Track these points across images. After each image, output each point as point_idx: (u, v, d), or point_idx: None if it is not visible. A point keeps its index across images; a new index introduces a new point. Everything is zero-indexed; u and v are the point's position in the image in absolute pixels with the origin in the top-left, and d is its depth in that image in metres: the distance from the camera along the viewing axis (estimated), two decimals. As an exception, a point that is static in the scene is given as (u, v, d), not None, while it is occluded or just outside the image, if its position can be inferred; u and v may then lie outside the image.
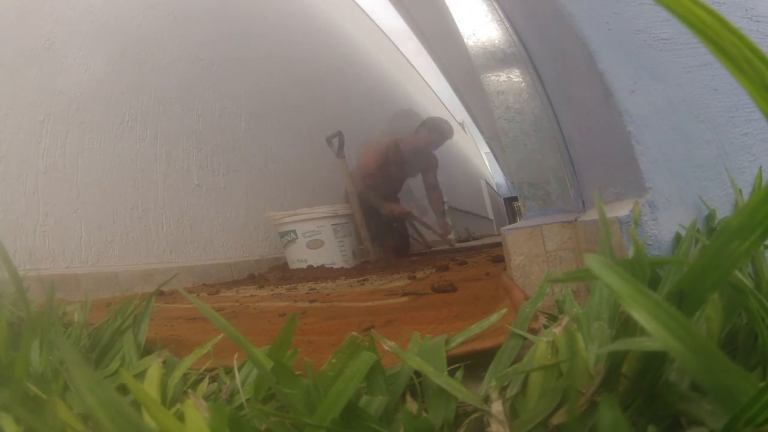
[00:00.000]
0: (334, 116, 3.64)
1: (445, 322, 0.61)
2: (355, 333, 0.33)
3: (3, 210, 1.39)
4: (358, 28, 4.90)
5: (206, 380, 0.40)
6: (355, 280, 1.52)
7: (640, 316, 0.18)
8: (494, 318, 0.44)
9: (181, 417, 0.22)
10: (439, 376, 0.31)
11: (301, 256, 2.14)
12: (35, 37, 1.61)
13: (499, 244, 1.78)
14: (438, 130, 2.82)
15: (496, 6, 0.86)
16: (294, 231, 2.15)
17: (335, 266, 2.13)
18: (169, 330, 0.71)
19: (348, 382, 0.27)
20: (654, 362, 0.24)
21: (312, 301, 1.04)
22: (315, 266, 2.09)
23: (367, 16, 5.29)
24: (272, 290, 1.42)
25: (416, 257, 2.47)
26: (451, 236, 2.88)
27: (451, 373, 0.34)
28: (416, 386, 0.32)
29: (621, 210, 0.45)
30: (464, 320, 0.60)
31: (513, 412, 0.28)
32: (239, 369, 0.37)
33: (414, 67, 6.71)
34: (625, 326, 0.27)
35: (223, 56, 2.60)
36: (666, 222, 0.44)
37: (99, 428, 0.19)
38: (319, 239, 2.15)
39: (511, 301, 0.57)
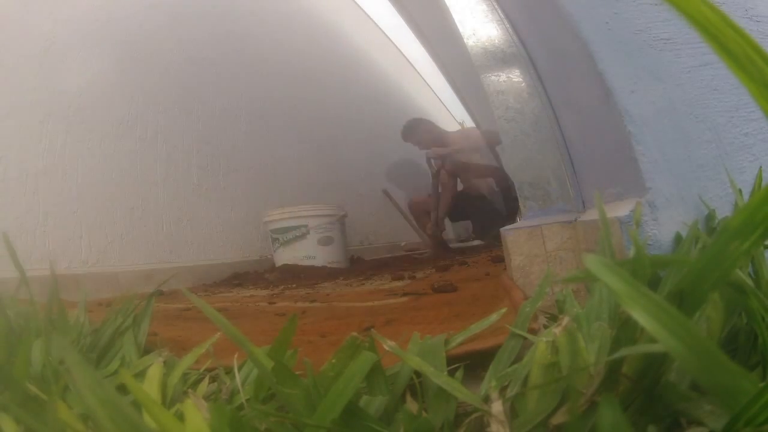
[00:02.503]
0: (334, 116, 3.64)
1: (445, 322, 0.61)
2: (355, 333, 0.33)
3: (3, 210, 1.39)
4: (358, 28, 4.90)
5: (206, 380, 0.40)
6: (355, 280, 1.52)
7: (640, 317, 0.18)
8: (494, 318, 0.44)
9: (181, 417, 0.22)
10: (439, 376, 0.31)
11: (310, 252, 2.13)
12: (35, 37, 1.61)
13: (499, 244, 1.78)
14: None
15: (496, 6, 0.86)
16: (306, 225, 2.14)
17: (340, 265, 2.13)
18: (169, 330, 0.71)
19: (348, 382, 0.26)
20: (654, 362, 0.24)
21: (312, 301, 1.04)
22: (326, 264, 2.09)
23: (367, 15, 5.29)
24: (272, 290, 1.42)
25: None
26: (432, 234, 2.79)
27: (451, 373, 0.34)
28: (416, 386, 0.32)
29: (621, 210, 0.45)
30: (464, 320, 0.60)
31: (513, 412, 0.28)
32: (239, 369, 0.36)
33: (414, 66, 6.70)
34: (625, 326, 0.27)
35: (223, 56, 2.60)
36: (666, 222, 0.44)
37: (99, 428, 0.19)
38: (330, 236, 2.15)
39: (511, 301, 0.57)
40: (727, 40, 0.17)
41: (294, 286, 1.50)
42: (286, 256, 2.17)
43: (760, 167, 0.47)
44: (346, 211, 2.35)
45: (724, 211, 0.46)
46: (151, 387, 0.35)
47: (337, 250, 2.18)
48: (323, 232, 2.14)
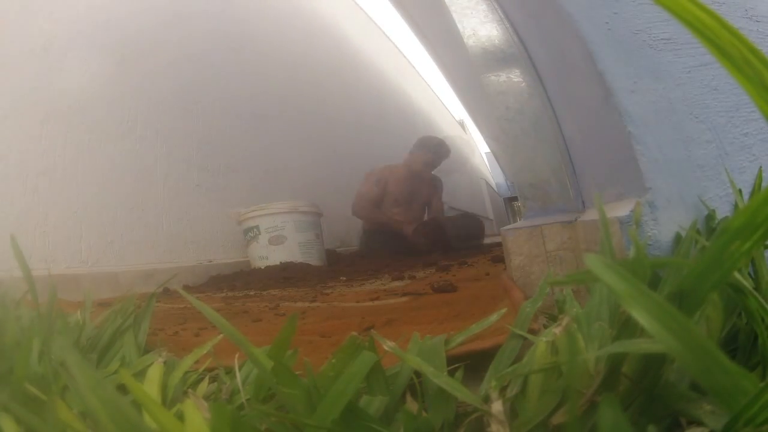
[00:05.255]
0: (334, 115, 3.64)
1: (445, 322, 0.61)
2: (355, 333, 0.33)
3: (3, 210, 1.39)
4: (358, 28, 4.90)
5: (206, 380, 0.40)
6: (354, 280, 1.52)
7: (640, 316, 0.18)
8: (494, 318, 0.44)
9: (181, 417, 0.22)
10: (439, 376, 0.31)
11: (262, 253, 2.11)
12: (35, 37, 1.61)
13: (499, 244, 1.78)
14: (432, 150, 2.76)
15: (496, 6, 0.86)
16: (257, 226, 2.12)
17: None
18: (169, 330, 0.71)
19: (348, 383, 0.26)
20: (654, 362, 0.24)
21: (312, 301, 1.04)
22: (277, 263, 2.05)
23: (367, 15, 5.29)
24: (272, 290, 1.42)
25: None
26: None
27: (451, 373, 0.34)
28: (416, 386, 0.32)
29: (621, 210, 0.45)
30: (464, 320, 0.60)
31: (513, 412, 0.28)
32: (239, 369, 0.37)
33: (414, 66, 6.71)
34: (626, 326, 0.27)
35: (223, 56, 2.60)
36: (666, 222, 0.44)
37: (99, 428, 0.19)
38: (281, 235, 2.12)
39: (511, 301, 0.57)
40: (723, 43, 0.17)
41: (294, 286, 1.50)
42: (251, 256, 2.16)
43: (760, 167, 0.47)
44: (319, 209, 2.33)
45: (724, 211, 0.46)
46: (151, 387, 0.35)
47: (291, 249, 2.13)
48: (273, 231, 2.10)
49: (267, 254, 2.10)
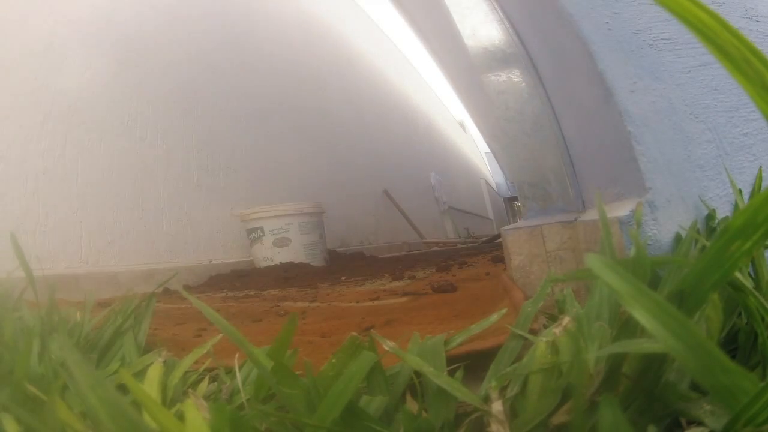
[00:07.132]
0: (334, 115, 3.64)
1: (445, 322, 0.61)
2: (355, 333, 0.33)
3: (3, 210, 1.39)
4: (358, 28, 4.90)
5: (206, 380, 0.40)
6: (354, 280, 1.52)
7: (641, 316, 0.18)
8: (494, 318, 0.44)
9: (181, 417, 0.22)
10: (439, 376, 0.31)
11: (267, 254, 2.13)
12: (35, 37, 1.61)
13: (499, 244, 1.78)
14: None
15: (496, 6, 0.86)
16: (261, 228, 2.14)
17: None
18: (169, 330, 0.71)
19: (348, 382, 0.26)
20: (654, 362, 0.24)
21: (312, 301, 1.04)
22: (283, 263, 2.08)
23: (367, 16, 5.29)
24: (272, 290, 1.42)
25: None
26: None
27: (451, 373, 0.34)
28: (416, 386, 0.32)
29: (621, 210, 0.45)
30: (464, 320, 0.60)
31: (513, 412, 0.28)
32: (240, 369, 0.36)
33: (414, 66, 6.71)
34: (626, 326, 0.27)
35: (223, 56, 2.60)
36: (666, 222, 0.44)
37: (99, 428, 0.19)
38: (286, 237, 2.13)
39: (511, 301, 0.57)
40: (724, 43, 0.17)
41: (294, 286, 1.50)
42: (254, 256, 2.17)
43: (760, 167, 0.47)
44: (322, 207, 2.33)
45: (724, 211, 0.46)
46: (151, 387, 0.35)
47: (295, 252, 2.15)
48: (278, 233, 2.12)
49: (272, 256, 2.11)
